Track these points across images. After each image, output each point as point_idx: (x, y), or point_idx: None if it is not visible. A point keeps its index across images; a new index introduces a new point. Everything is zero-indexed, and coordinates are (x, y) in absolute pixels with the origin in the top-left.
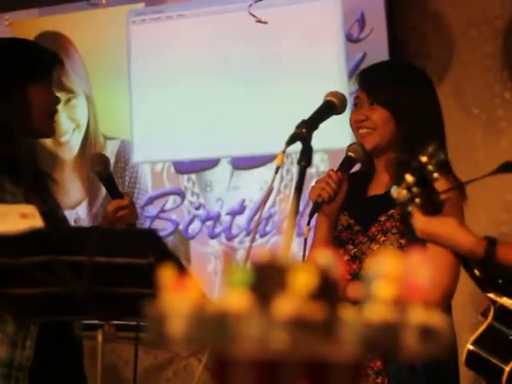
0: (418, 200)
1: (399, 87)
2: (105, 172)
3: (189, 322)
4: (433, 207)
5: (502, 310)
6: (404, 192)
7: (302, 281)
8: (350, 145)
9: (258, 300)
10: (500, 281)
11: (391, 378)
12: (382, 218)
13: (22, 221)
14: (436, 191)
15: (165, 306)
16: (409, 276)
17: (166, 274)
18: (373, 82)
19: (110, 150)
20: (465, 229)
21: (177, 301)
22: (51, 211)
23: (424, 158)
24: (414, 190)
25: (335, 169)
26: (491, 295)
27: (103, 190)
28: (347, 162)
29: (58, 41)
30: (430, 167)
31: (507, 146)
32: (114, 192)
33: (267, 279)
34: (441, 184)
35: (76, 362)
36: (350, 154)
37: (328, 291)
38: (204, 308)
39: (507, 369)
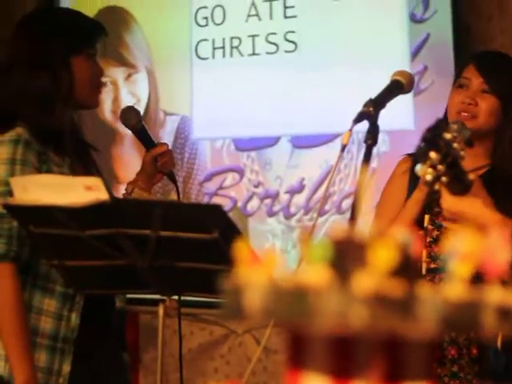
0: (444, 178)
1: None
2: (137, 124)
3: (267, 295)
4: (460, 186)
5: None
6: (429, 170)
7: (382, 257)
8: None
9: (337, 275)
10: None
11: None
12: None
13: (87, 193)
14: (463, 170)
15: (241, 279)
16: (488, 254)
17: (242, 248)
18: (494, 70)
19: (170, 126)
20: (492, 209)
21: (254, 274)
22: None
23: (448, 135)
24: (440, 167)
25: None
26: None
27: None
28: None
29: (121, 15)
30: (456, 145)
31: None
32: (148, 143)
33: (347, 254)
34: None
35: (118, 334)
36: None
37: (407, 268)
38: (282, 282)
39: None
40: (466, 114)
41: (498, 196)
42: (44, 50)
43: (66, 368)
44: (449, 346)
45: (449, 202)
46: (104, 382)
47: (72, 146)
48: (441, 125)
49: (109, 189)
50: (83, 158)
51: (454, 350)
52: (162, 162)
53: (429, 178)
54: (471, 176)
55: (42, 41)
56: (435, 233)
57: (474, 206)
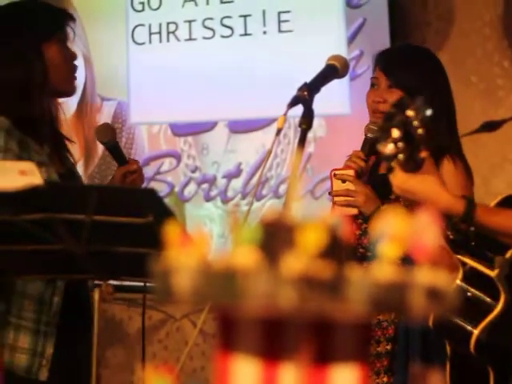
0: (401, 156)
1: (418, 73)
2: (111, 142)
3: (196, 277)
4: (413, 164)
5: (471, 272)
6: (391, 146)
7: (311, 239)
8: (367, 125)
9: (266, 257)
10: (473, 243)
11: (401, 346)
12: (393, 197)
13: (21, 178)
14: (419, 148)
15: (171, 262)
16: (416, 236)
17: (172, 231)
18: (393, 65)
19: (107, 111)
20: (444, 187)
21: (183, 256)
22: (69, 171)
23: (411, 112)
24: (400, 145)
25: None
26: (461, 257)
27: (99, 151)
28: (365, 143)
29: (57, 1)
30: (416, 122)
31: (505, 115)
32: (120, 159)
33: (276, 237)
34: (447, 166)
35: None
36: (369, 135)
37: (336, 250)
38: (211, 264)
39: (476, 332)
40: (379, 114)
41: None
42: (15, 42)
43: (49, 350)
44: (375, 328)
45: (400, 178)
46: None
47: (50, 135)
48: (405, 101)
49: (79, 177)
50: (59, 147)
51: (380, 331)
52: (131, 179)
53: (389, 154)
54: (423, 154)
55: (13, 34)
56: (364, 225)
57: (426, 182)
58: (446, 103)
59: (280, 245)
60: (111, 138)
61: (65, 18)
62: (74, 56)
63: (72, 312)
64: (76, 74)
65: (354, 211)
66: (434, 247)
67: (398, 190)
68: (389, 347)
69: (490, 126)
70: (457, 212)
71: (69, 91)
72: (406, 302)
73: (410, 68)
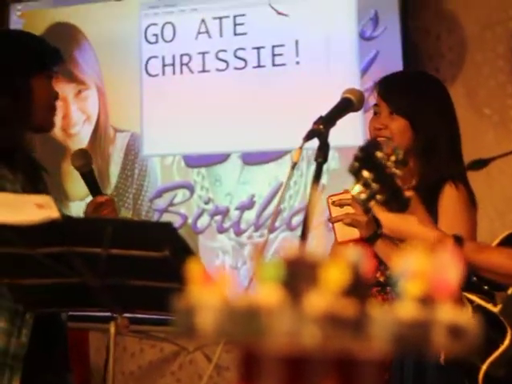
0: (379, 197)
1: (419, 98)
2: (84, 167)
3: (219, 315)
4: (398, 204)
5: (479, 310)
6: (362, 189)
7: (334, 277)
8: None
9: (289, 295)
10: (474, 278)
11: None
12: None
13: (39, 211)
14: (399, 188)
15: (194, 299)
16: (438, 273)
17: (194, 268)
18: (393, 92)
19: (120, 143)
20: (429, 225)
21: (206, 294)
22: None
23: (380, 154)
24: (374, 186)
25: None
26: (468, 295)
27: (112, 183)
28: None
29: (71, 32)
30: (389, 163)
31: None
32: (93, 189)
33: (299, 274)
34: (449, 190)
35: (64, 352)
36: None
37: (359, 288)
38: (234, 302)
39: (484, 367)
40: (381, 139)
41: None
42: (5, 71)
43: None
44: None
45: (386, 219)
46: None
47: (23, 164)
48: (373, 144)
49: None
50: (33, 176)
51: None
52: (103, 213)
53: (363, 196)
54: (408, 193)
55: (4, 62)
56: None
57: (408, 222)
58: (448, 129)
59: (303, 282)
60: (85, 163)
61: (56, 57)
62: (56, 95)
63: (39, 344)
64: (55, 112)
65: (356, 235)
66: (455, 284)
67: (386, 230)
68: (386, 376)
69: (478, 165)
70: None
71: (47, 127)
72: (429, 339)
73: (409, 94)
